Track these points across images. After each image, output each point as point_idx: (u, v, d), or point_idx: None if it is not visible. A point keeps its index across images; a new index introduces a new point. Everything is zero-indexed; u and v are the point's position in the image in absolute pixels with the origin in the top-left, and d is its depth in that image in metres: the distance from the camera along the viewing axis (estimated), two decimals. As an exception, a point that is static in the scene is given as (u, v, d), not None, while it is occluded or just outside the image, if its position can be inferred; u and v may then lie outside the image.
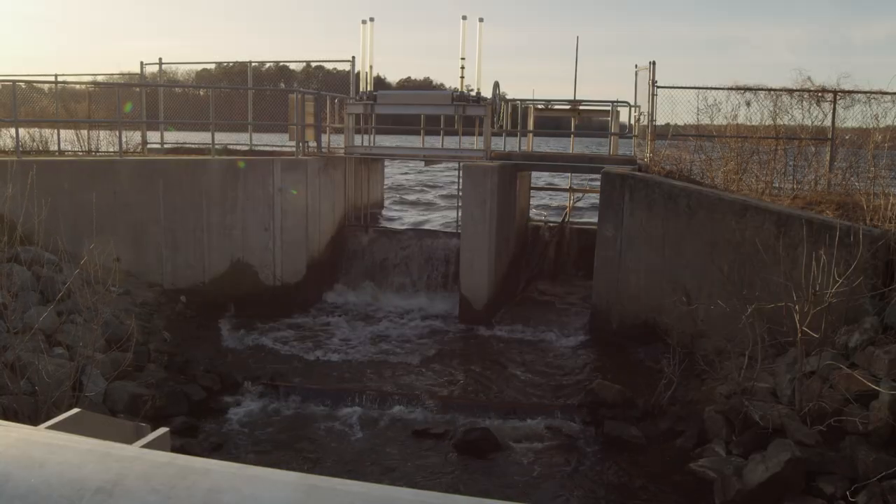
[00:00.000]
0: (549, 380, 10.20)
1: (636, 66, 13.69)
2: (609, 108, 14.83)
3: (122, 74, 17.90)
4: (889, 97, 12.13)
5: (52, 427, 1.87)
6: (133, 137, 15.63)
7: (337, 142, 15.56)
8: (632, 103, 14.07)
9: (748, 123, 13.07)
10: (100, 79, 17.99)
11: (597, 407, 8.87)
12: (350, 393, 9.36)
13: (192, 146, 15.48)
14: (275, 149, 15.45)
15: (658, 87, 12.79)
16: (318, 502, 1.25)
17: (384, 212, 18.82)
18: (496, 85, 14.22)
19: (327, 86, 18.41)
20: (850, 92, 12.26)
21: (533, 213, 17.55)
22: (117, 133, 13.34)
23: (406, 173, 37.49)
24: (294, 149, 13.53)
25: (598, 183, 11.76)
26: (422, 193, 29.42)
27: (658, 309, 10.94)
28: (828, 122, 12.45)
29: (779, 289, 8.69)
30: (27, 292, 9.19)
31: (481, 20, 14.45)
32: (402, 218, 20.36)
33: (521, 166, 14.09)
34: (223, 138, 15.41)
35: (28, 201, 8.86)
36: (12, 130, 12.68)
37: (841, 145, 12.66)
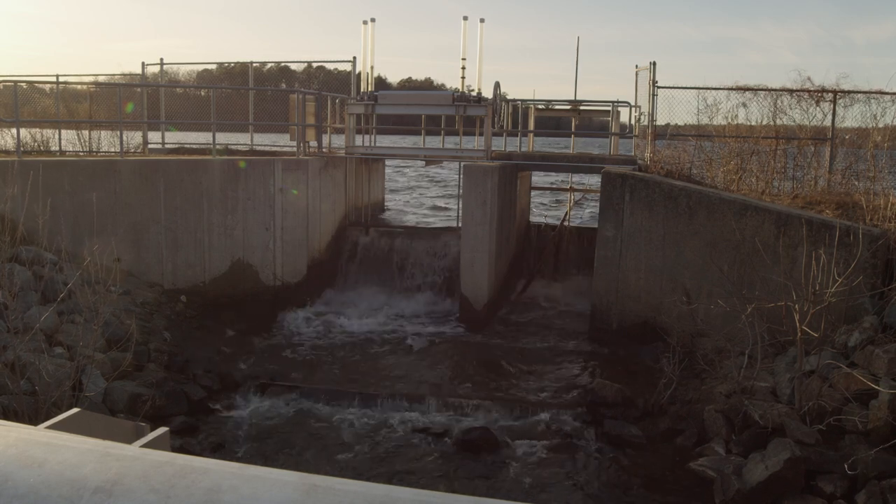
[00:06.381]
0: (548, 379, 10.21)
1: (636, 66, 13.71)
2: (609, 108, 14.84)
3: (124, 75, 17.95)
4: (889, 97, 12.13)
5: (51, 427, 1.88)
6: (134, 137, 15.65)
7: (338, 142, 15.57)
8: (632, 103, 14.08)
9: (748, 123, 13.09)
10: (101, 79, 18.02)
11: (597, 406, 8.88)
12: (350, 392, 9.37)
13: (193, 146, 15.49)
14: (276, 149, 15.46)
15: (658, 87, 12.80)
16: (318, 502, 1.25)
17: (385, 211, 18.82)
18: (497, 85, 14.22)
19: (328, 86, 18.45)
20: (849, 92, 12.26)
21: (533, 213, 17.55)
22: (118, 133, 13.35)
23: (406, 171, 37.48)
24: (295, 149, 13.53)
25: (599, 183, 11.77)
26: (424, 193, 29.41)
27: (658, 308, 10.94)
28: (827, 122, 12.46)
29: (778, 288, 8.70)
30: (27, 292, 9.19)
31: (482, 21, 14.45)
32: (403, 218, 20.33)
33: (522, 166, 14.10)
34: (224, 138, 15.42)
35: (29, 201, 8.87)
36: (13, 130, 12.69)
37: (840, 145, 12.67)
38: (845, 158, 12.54)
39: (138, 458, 1.36)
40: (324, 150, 14.33)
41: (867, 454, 6.52)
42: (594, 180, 16.68)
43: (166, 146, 15.46)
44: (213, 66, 26.32)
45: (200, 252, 12.40)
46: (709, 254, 10.40)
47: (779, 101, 12.67)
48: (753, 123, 13.00)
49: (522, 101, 15.51)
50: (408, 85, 65.50)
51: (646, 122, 13.34)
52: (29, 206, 8.92)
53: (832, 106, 12.35)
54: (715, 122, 13.27)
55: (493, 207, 12.32)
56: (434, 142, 17.17)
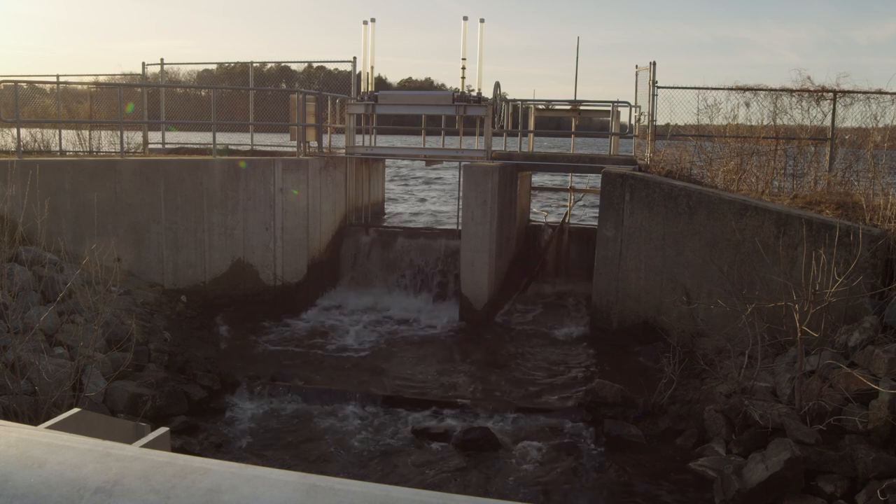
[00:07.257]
0: (549, 379, 10.21)
1: (636, 66, 13.71)
2: (609, 108, 14.84)
3: (124, 75, 17.93)
4: (889, 97, 12.13)
5: (52, 427, 1.88)
6: (134, 138, 15.65)
7: (338, 142, 15.57)
8: (632, 103, 14.08)
9: (748, 123, 13.09)
10: (101, 79, 18.01)
11: (597, 406, 8.88)
12: (350, 393, 9.37)
13: (194, 146, 15.49)
14: (276, 149, 15.46)
15: (658, 87, 12.80)
16: (318, 502, 1.26)
17: (385, 211, 18.82)
18: (497, 85, 14.22)
19: (328, 86, 18.41)
20: (849, 92, 12.26)
21: (533, 213, 17.55)
22: (119, 133, 13.36)
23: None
24: (295, 149, 13.53)
25: (599, 183, 11.77)
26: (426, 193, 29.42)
27: (658, 308, 10.95)
28: (827, 122, 12.46)
29: (778, 288, 8.70)
30: (28, 292, 9.20)
31: (482, 21, 14.45)
32: (404, 218, 20.34)
33: (522, 166, 14.10)
34: (224, 138, 15.43)
35: (29, 201, 8.88)
36: (14, 130, 12.69)
37: (840, 145, 12.67)
38: (845, 158, 12.54)
39: (138, 459, 1.36)
40: (324, 150, 14.34)
41: (867, 454, 6.53)
42: (594, 180, 16.69)
43: (167, 146, 15.47)
44: (214, 67, 26.36)
45: (201, 252, 12.41)
46: (709, 254, 10.40)
47: (779, 101, 12.68)
48: (754, 123, 13.01)
49: (522, 101, 15.52)
50: (408, 85, 65.52)
51: (646, 123, 13.34)
52: (29, 206, 8.93)
53: (832, 106, 12.35)
54: (715, 123, 13.27)
55: (493, 207, 12.33)
56: (434, 142, 17.17)
